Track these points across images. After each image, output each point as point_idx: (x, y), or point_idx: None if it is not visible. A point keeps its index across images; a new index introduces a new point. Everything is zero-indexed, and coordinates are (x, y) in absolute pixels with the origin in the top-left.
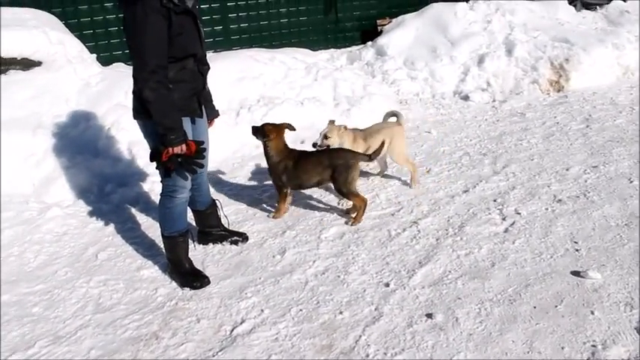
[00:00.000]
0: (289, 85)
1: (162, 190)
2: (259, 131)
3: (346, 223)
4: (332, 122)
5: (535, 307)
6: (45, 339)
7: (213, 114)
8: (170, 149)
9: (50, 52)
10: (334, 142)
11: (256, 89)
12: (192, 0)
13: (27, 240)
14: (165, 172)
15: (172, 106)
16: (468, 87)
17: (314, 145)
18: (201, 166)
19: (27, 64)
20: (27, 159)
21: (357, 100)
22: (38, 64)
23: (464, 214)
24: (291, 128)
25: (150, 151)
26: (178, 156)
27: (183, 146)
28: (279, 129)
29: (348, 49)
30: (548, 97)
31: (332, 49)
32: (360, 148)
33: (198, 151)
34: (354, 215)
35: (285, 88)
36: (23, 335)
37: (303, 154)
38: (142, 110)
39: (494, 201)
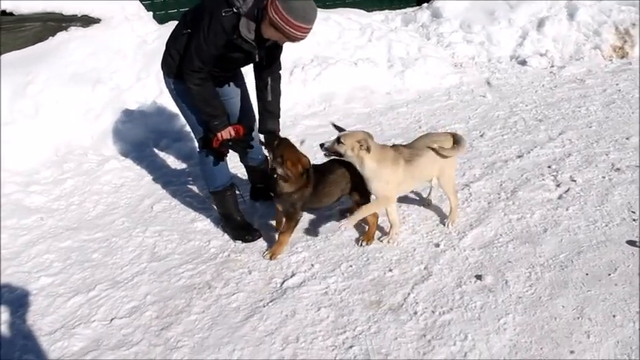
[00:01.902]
0: (343, 45)
1: (198, 146)
2: (276, 154)
3: (358, 243)
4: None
5: (587, 275)
6: (104, 283)
7: (273, 126)
8: (219, 135)
9: (109, 9)
10: (347, 154)
11: (310, 49)
12: (256, 50)
13: (86, 190)
14: (218, 157)
15: (214, 95)
16: (525, 51)
17: (321, 146)
18: (251, 147)
19: (87, 21)
20: (86, 113)
21: (412, 62)
22: (97, 21)
23: (517, 179)
24: (307, 165)
25: (199, 140)
26: (228, 140)
27: (231, 130)
28: (297, 161)
29: (403, 10)
30: (610, 63)
31: (387, 11)
32: (399, 174)
33: (247, 133)
34: (365, 237)
35: (339, 49)
36: (84, 279)
37: (320, 173)
38: (172, 70)
39: (549, 167)
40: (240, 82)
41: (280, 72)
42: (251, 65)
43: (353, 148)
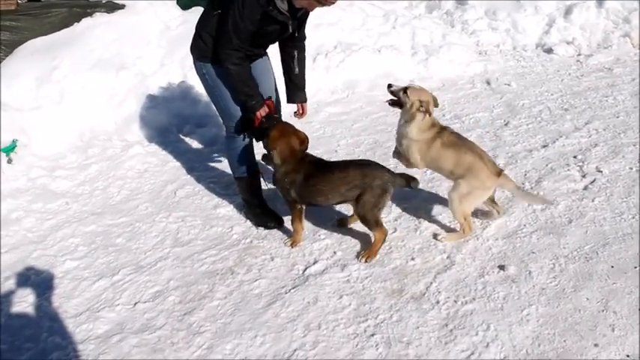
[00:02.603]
0: (367, 32)
1: (226, 131)
2: (262, 136)
3: (357, 258)
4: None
5: (613, 267)
6: (128, 267)
7: (300, 98)
8: (258, 114)
9: None
10: (406, 107)
11: (334, 35)
12: (290, 20)
13: (111, 175)
14: (258, 137)
15: (250, 75)
16: (552, 39)
17: (389, 86)
18: (280, 120)
19: (111, 6)
20: (110, 99)
21: (436, 49)
22: (122, 7)
23: (542, 169)
24: (304, 142)
25: (237, 123)
26: (264, 117)
27: (265, 107)
28: (287, 137)
29: None
30: None
31: None
32: (427, 150)
33: (275, 107)
34: (366, 252)
35: (363, 35)
36: (108, 263)
37: (320, 167)
38: (207, 56)
39: (575, 157)
40: (268, 63)
41: (304, 42)
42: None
43: (413, 104)
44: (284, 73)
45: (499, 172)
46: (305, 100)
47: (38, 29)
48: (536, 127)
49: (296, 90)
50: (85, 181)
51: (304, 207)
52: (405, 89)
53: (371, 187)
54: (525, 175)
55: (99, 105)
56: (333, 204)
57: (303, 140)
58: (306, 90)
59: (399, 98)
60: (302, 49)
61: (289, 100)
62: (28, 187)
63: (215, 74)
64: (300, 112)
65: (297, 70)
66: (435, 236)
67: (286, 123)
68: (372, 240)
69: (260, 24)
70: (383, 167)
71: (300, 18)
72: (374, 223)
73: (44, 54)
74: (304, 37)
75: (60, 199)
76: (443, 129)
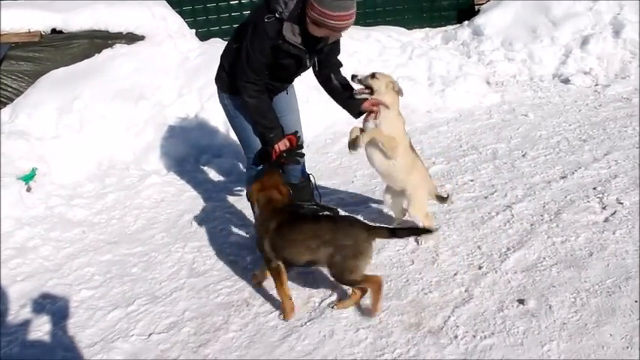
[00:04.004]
0: (384, 63)
1: (246, 162)
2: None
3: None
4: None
5: (637, 302)
6: (143, 298)
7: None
8: (277, 147)
9: (153, 27)
10: (380, 90)
11: (351, 66)
12: (306, 54)
13: (127, 205)
14: (281, 167)
15: (269, 107)
16: (568, 70)
17: (353, 77)
18: (303, 155)
19: (131, 37)
20: (129, 128)
21: (452, 80)
22: (141, 38)
23: (561, 201)
24: (284, 194)
25: (255, 155)
26: (284, 151)
27: (285, 141)
28: (268, 190)
29: (444, 28)
30: None
31: (427, 28)
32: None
33: (298, 142)
34: (371, 304)
35: (380, 66)
36: (124, 293)
37: (294, 216)
38: (229, 87)
39: (594, 189)
40: (293, 98)
41: (341, 69)
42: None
43: (387, 85)
44: (334, 99)
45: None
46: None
47: (60, 60)
48: (554, 158)
49: (351, 102)
50: (101, 210)
51: (282, 267)
52: (372, 75)
53: (342, 246)
54: (544, 206)
55: (117, 134)
56: (304, 263)
57: (284, 193)
58: (322, 123)
59: (367, 85)
60: (338, 71)
61: (356, 115)
62: (45, 215)
63: (235, 105)
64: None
65: (342, 88)
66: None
67: (274, 173)
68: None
69: (274, 57)
70: (360, 223)
71: (321, 50)
72: (358, 283)
73: (65, 84)
74: (340, 65)
75: (77, 228)
76: None
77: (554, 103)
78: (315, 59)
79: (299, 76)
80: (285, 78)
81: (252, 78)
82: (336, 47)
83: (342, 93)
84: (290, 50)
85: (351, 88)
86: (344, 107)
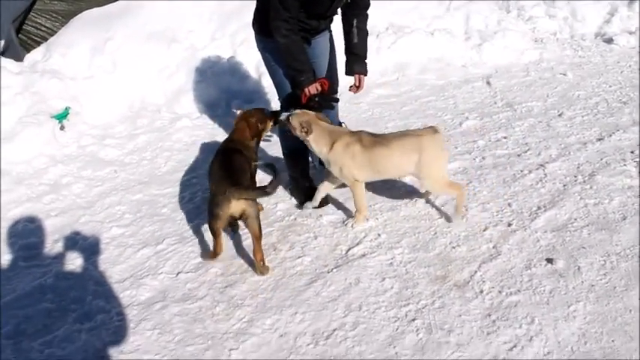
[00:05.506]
0: (420, 14)
1: (282, 106)
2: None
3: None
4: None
5: None
6: (172, 237)
7: (358, 69)
8: (307, 90)
9: None
10: (296, 133)
11: (385, 16)
12: None
13: (158, 146)
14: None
15: (301, 50)
16: (613, 29)
17: (277, 115)
18: (337, 100)
19: None
20: (161, 71)
21: (490, 35)
22: None
23: (596, 163)
24: (251, 128)
25: (284, 98)
26: (315, 95)
27: (317, 85)
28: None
29: None
30: None
31: None
32: (358, 161)
33: (331, 87)
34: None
35: (416, 18)
36: (153, 232)
37: (220, 151)
38: (263, 30)
39: (632, 152)
40: (329, 44)
41: (367, 11)
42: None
43: (296, 128)
44: (344, 43)
45: (435, 129)
46: (364, 73)
47: (94, 0)
48: (592, 120)
49: (354, 60)
50: (133, 151)
51: None
52: (288, 117)
53: (212, 193)
54: (578, 167)
55: (149, 77)
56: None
57: (250, 129)
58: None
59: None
60: (363, 19)
61: (347, 72)
62: (78, 154)
63: (269, 48)
64: (357, 85)
65: (356, 39)
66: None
67: (260, 112)
68: None
69: None
70: (230, 179)
71: None
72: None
73: (99, 25)
74: (367, 5)
75: (108, 167)
76: (354, 133)
77: (594, 63)
78: None
79: (335, 15)
80: (320, 14)
81: (285, 15)
82: None
83: (350, 45)
84: None
85: (362, 46)
86: (345, 58)
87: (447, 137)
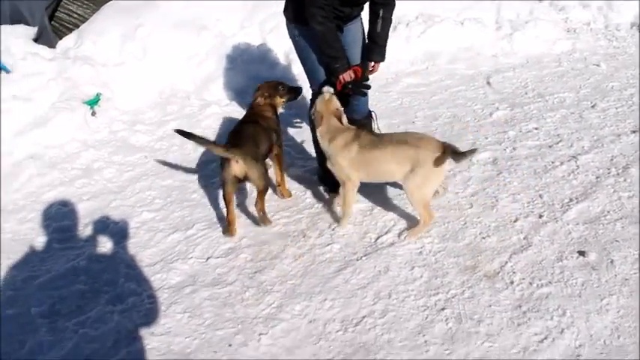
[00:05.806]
0: (450, 3)
1: (312, 95)
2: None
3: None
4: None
5: None
6: (202, 223)
7: (377, 57)
8: (341, 78)
9: None
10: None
11: (415, 5)
12: None
13: None
14: (345, 98)
15: (336, 37)
16: None
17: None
18: (369, 87)
19: None
20: (191, 58)
21: (522, 24)
22: None
23: (630, 155)
24: (265, 99)
25: (319, 85)
26: (349, 82)
27: (351, 72)
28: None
29: None
30: None
31: None
32: (353, 160)
33: (364, 74)
34: None
35: (446, 7)
36: (183, 217)
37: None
38: (297, 17)
39: None
40: (361, 32)
41: (394, 2)
42: None
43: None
44: (368, 31)
45: (443, 148)
46: (381, 60)
47: None
48: (626, 111)
49: (374, 49)
50: (163, 137)
51: None
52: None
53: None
54: (612, 160)
55: (179, 64)
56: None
57: (265, 100)
58: (385, 63)
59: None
60: (389, 9)
61: (367, 58)
62: (109, 139)
63: (303, 36)
64: (371, 68)
65: (379, 28)
66: (399, 235)
67: (275, 84)
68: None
69: None
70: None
71: None
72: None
73: (129, 12)
74: (392, 3)
75: (139, 153)
76: (356, 131)
77: (629, 54)
78: None
79: (367, 2)
80: (353, 1)
81: (321, 2)
82: None
83: (373, 34)
84: None
85: (384, 35)
86: (367, 45)
87: (451, 160)
